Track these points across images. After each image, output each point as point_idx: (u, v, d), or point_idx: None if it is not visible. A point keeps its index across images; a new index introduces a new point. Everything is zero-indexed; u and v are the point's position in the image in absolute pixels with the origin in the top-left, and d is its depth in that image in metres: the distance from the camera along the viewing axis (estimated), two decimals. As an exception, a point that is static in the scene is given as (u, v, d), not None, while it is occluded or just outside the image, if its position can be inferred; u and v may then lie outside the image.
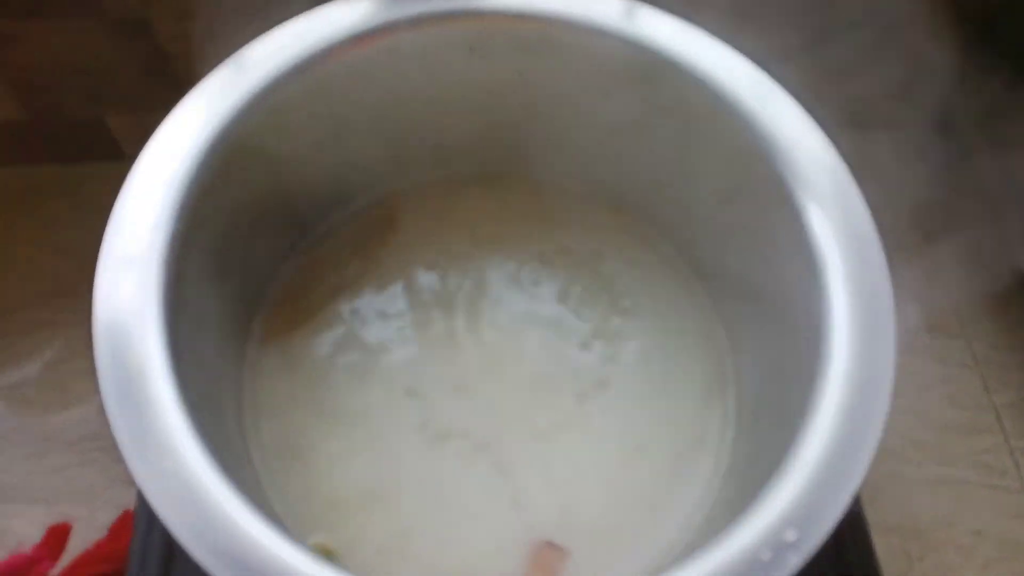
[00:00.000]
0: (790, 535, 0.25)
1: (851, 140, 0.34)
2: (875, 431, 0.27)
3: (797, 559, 0.25)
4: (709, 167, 0.36)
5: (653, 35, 0.34)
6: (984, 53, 0.46)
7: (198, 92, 0.32)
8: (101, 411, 0.48)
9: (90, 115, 0.52)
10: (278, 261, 0.41)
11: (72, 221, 0.54)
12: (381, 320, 0.41)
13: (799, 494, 0.26)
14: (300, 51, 0.34)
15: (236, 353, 0.38)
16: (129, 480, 0.44)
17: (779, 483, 0.27)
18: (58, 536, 0.42)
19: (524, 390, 0.40)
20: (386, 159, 0.41)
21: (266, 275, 0.40)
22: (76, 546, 0.43)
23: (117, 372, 0.27)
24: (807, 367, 0.30)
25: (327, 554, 0.34)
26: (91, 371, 0.48)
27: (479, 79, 0.38)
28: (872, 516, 0.41)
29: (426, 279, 0.42)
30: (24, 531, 0.43)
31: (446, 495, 0.37)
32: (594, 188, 0.42)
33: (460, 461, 0.38)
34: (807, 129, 0.33)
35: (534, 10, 0.35)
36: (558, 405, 0.39)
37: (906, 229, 0.53)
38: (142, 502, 0.38)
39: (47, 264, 0.52)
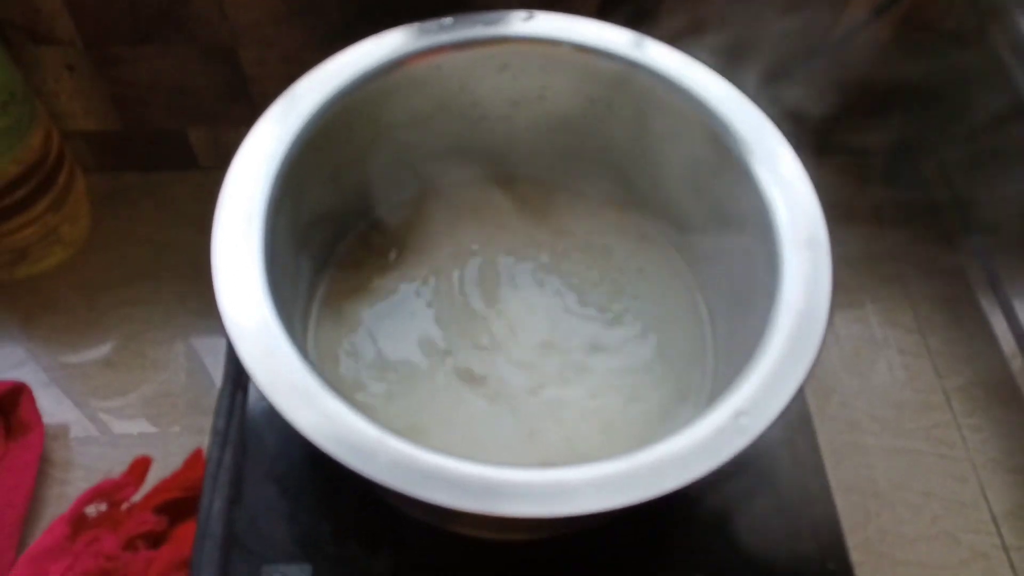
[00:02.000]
0: (743, 419, 0.33)
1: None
2: (812, 352, 0.35)
3: (748, 436, 0.33)
4: (685, 165, 0.45)
5: (649, 59, 0.43)
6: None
7: (280, 103, 0.41)
8: (174, 374, 0.56)
9: (174, 128, 0.62)
10: (337, 243, 0.49)
11: (153, 218, 0.63)
12: (415, 296, 0.49)
13: (750, 393, 0.34)
14: (361, 67, 0.43)
15: (303, 308, 0.46)
16: (198, 430, 0.52)
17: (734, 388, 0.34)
18: (140, 467, 0.49)
19: (537, 351, 0.48)
20: (424, 159, 0.49)
21: (328, 254, 0.49)
22: (155, 480, 0.51)
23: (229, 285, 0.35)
24: (763, 321, 0.38)
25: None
26: (166, 341, 0.57)
27: (506, 93, 0.47)
28: (836, 478, 0.48)
29: (454, 263, 0.50)
30: (112, 469, 0.51)
31: (474, 430, 0.45)
32: (600, 189, 0.51)
33: (485, 403, 0.46)
34: (768, 131, 0.41)
35: (554, 37, 0.44)
36: (566, 363, 0.47)
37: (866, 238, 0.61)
38: (214, 444, 0.46)
39: (130, 253, 0.61)
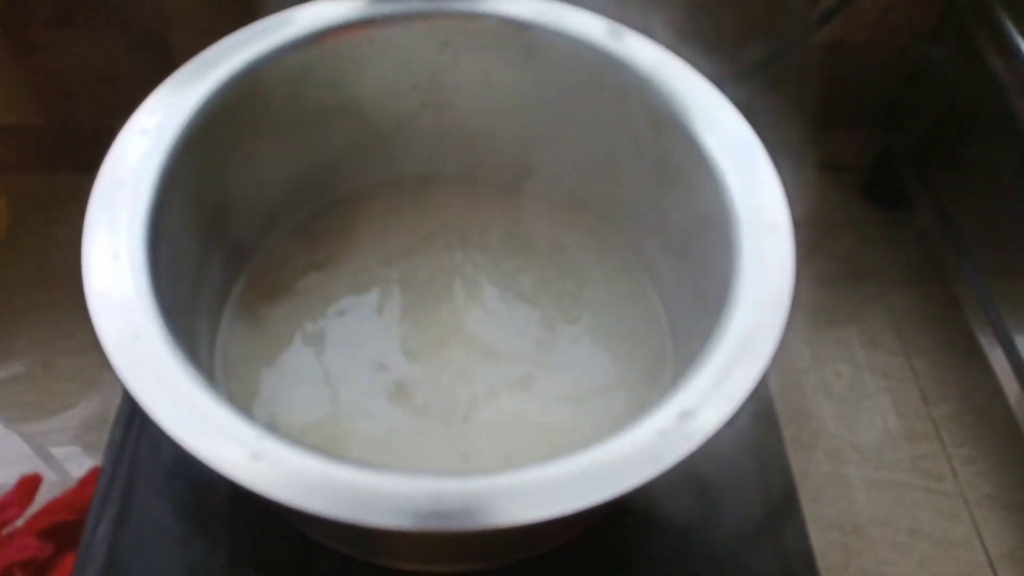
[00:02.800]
0: (689, 422, 0.28)
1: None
2: (770, 344, 0.30)
3: (694, 440, 0.28)
4: (642, 156, 0.40)
5: (612, 44, 0.39)
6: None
7: (188, 66, 0.37)
8: (81, 386, 0.51)
9: (103, 124, 0.57)
10: (259, 241, 0.45)
11: (78, 221, 0.58)
12: (343, 300, 0.44)
13: (698, 391, 0.29)
14: (285, 36, 0.39)
15: (213, 307, 0.41)
16: (101, 446, 0.47)
17: (683, 383, 0.30)
18: (27, 486, 0.44)
19: (476, 361, 0.43)
20: (358, 149, 0.45)
21: (246, 252, 0.44)
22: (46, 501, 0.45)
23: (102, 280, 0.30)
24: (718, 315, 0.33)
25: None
26: (77, 350, 0.52)
27: (447, 76, 0.43)
28: (812, 512, 0.43)
29: (388, 265, 0.46)
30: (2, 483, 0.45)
31: (398, 447, 0.40)
32: (551, 187, 0.47)
33: (413, 417, 0.41)
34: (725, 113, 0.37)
35: (496, 12, 0.40)
36: (508, 375, 0.42)
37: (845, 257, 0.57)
38: (108, 457, 0.41)
39: (50, 255, 0.56)
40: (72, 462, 0.48)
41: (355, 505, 0.26)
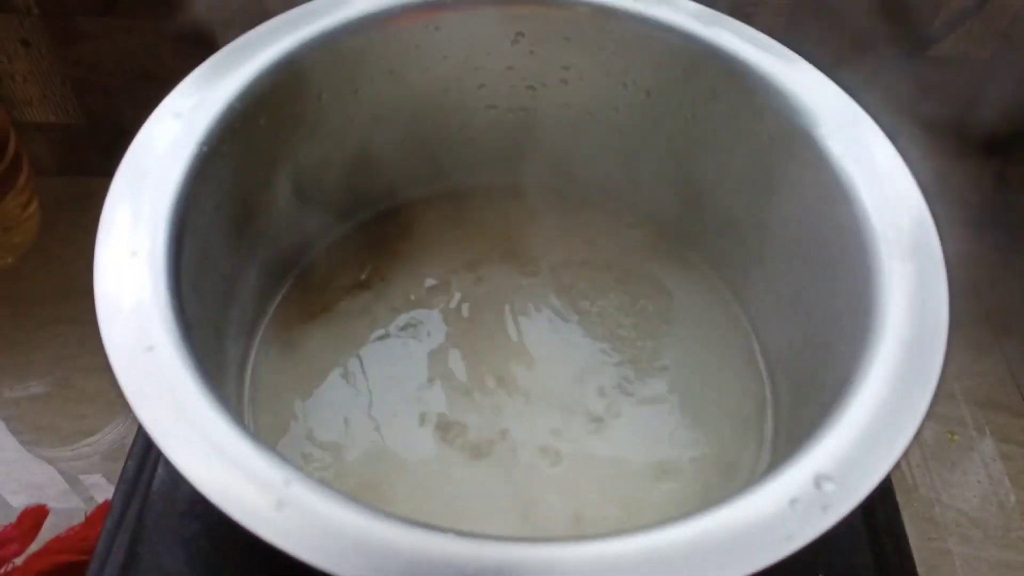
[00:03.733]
0: (827, 486, 0.22)
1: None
2: (927, 394, 0.24)
3: (833, 513, 0.21)
4: (747, 164, 0.35)
5: (713, 35, 0.34)
6: None
7: (227, 50, 0.33)
8: (99, 408, 0.46)
9: (139, 125, 0.54)
10: (297, 249, 0.40)
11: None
12: (389, 324, 0.39)
13: (839, 449, 0.23)
14: (335, 20, 0.34)
15: (244, 326, 0.36)
16: (113, 479, 0.42)
17: (818, 439, 0.23)
18: (31, 518, 0.39)
19: (540, 404, 0.37)
20: (413, 155, 0.40)
21: (284, 260, 0.39)
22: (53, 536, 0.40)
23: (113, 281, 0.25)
24: (851, 358, 0.27)
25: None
26: (96, 369, 0.47)
27: (521, 73, 0.38)
28: None
29: (442, 288, 0.40)
30: (5, 516, 0.41)
31: (450, 497, 0.34)
32: (632, 204, 0.41)
33: (468, 463, 0.35)
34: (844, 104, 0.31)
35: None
36: (577, 422, 0.36)
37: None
38: (119, 493, 0.36)
39: (77, 265, 0.52)
40: (96, 491, 0.43)
41: (397, 573, 0.20)
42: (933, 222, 0.28)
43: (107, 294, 0.25)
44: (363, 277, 0.40)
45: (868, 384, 0.25)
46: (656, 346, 0.39)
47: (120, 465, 0.45)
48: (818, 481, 0.22)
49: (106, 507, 0.40)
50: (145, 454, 0.37)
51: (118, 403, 0.45)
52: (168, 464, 0.35)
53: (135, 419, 0.41)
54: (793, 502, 0.22)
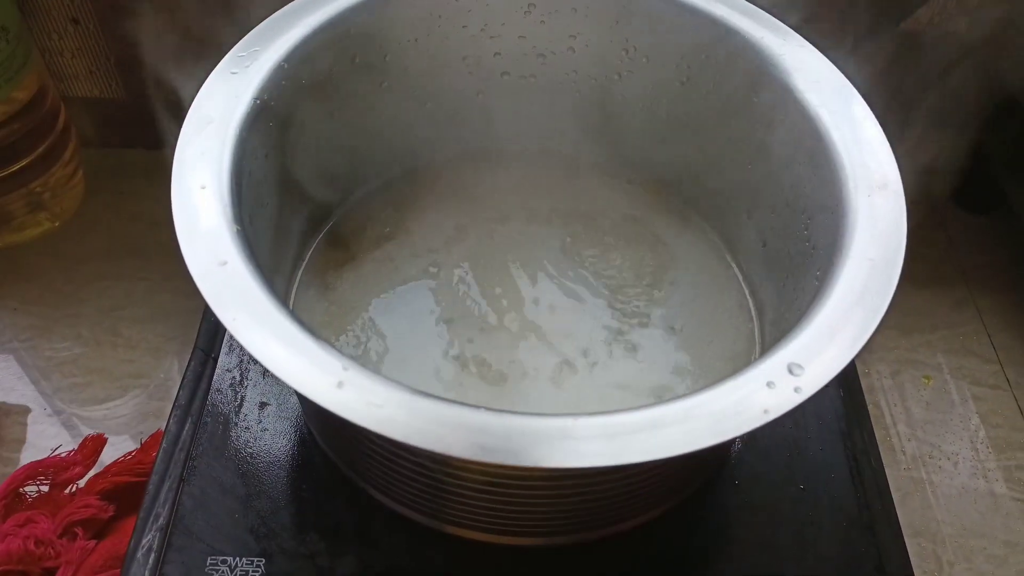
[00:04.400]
0: (798, 371, 0.26)
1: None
2: (887, 293, 0.28)
3: (803, 392, 0.26)
4: (740, 128, 0.39)
5: (712, 7, 0.38)
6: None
7: (264, 25, 0.36)
8: (145, 353, 0.50)
9: (179, 101, 0.58)
10: (329, 204, 0.44)
11: (148, 195, 0.58)
12: (414, 271, 0.43)
13: (810, 344, 0.27)
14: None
15: (287, 271, 0.40)
16: (163, 418, 0.46)
17: (792, 337, 0.28)
18: (92, 445, 0.43)
19: (549, 335, 0.41)
20: (434, 121, 0.44)
21: (318, 215, 0.43)
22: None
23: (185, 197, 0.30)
24: (822, 278, 0.31)
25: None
26: (144, 319, 0.52)
27: (532, 41, 0.42)
28: (902, 518, 0.40)
29: (460, 240, 0.44)
30: (66, 446, 0.45)
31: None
32: (625, 164, 0.45)
33: (484, 388, 0.39)
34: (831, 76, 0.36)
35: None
36: (585, 353, 0.40)
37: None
38: (174, 419, 0.40)
39: (120, 228, 0.56)
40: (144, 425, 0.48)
41: (435, 435, 0.24)
42: (896, 163, 0.33)
43: (184, 219, 0.29)
44: (387, 230, 0.45)
45: (836, 294, 0.29)
46: (655, 291, 0.43)
47: (148, 427, 0.49)
48: (791, 367, 0.27)
49: (159, 435, 0.44)
50: (196, 383, 0.41)
51: (163, 348, 0.49)
52: (219, 390, 0.40)
53: (171, 368, 0.45)
54: (770, 384, 0.26)
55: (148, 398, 0.47)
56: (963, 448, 0.49)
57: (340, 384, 0.25)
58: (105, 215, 0.56)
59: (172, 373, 0.48)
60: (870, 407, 0.50)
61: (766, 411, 0.26)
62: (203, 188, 0.30)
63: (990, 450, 0.49)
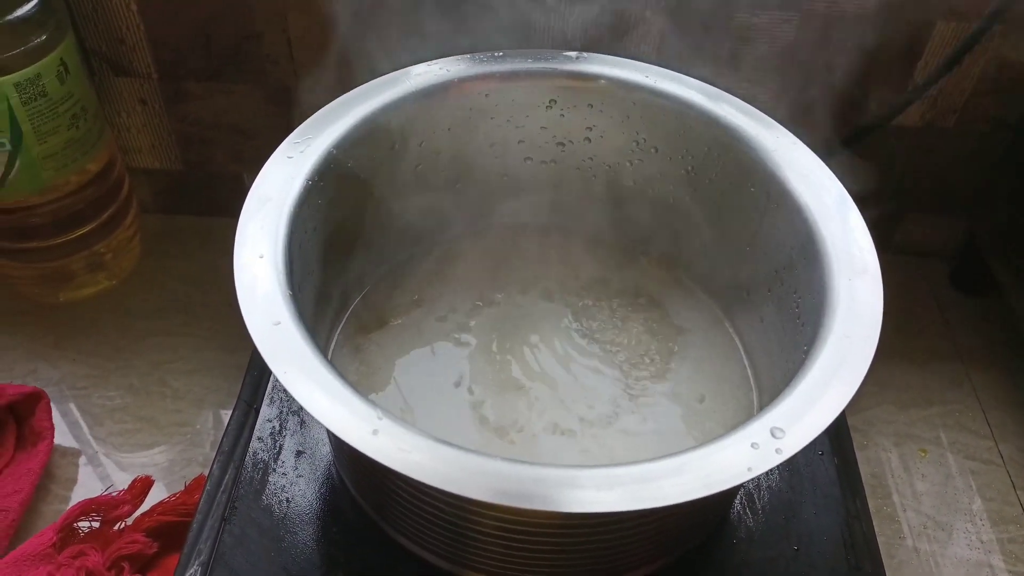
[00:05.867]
0: (780, 435, 0.30)
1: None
2: (862, 367, 0.31)
3: (783, 453, 0.29)
4: (736, 217, 0.43)
5: (709, 105, 0.42)
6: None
7: (316, 117, 0.41)
8: (190, 404, 0.54)
9: (231, 172, 0.63)
10: (365, 272, 0.48)
11: (197, 258, 0.63)
12: (437, 335, 0.47)
13: (791, 411, 0.31)
14: (410, 86, 0.43)
15: (324, 334, 0.45)
16: (206, 462, 0.50)
17: (775, 404, 0.31)
18: (140, 486, 0.47)
19: (559, 398, 0.44)
20: (462, 199, 0.49)
21: (353, 282, 0.47)
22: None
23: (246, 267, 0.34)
24: (808, 351, 0.35)
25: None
26: (191, 372, 0.56)
27: (553, 131, 0.47)
28: None
29: (481, 308, 0.48)
30: (116, 486, 0.49)
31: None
32: (635, 240, 0.49)
33: (498, 442, 0.42)
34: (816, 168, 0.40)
35: (604, 74, 0.44)
36: (591, 414, 0.44)
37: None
38: (217, 463, 0.44)
39: (171, 288, 0.61)
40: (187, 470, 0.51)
41: (457, 479, 0.28)
42: (875, 250, 0.36)
43: (244, 285, 0.34)
44: (415, 298, 0.49)
45: (817, 366, 0.32)
46: (662, 363, 0.46)
47: (204, 451, 0.52)
48: (773, 431, 0.30)
49: (201, 480, 0.48)
50: (239, 431, 0.45)
51: (206, 399, 0.54)
52: (258, 438, 0.44)
53: (218, 411, 0.49)
54: (754, 445, 0.30)
55: (190, 444, 0.51)
56: (959, 520, 0.51)
57: (375, 432, 0.29)
58: (158, 275, 0.61)
59: (212, 423, 0.52)
60: (869, 478, 0.52)
61: (749, 468, 0.29)
62: (261, 257, 0.35)
63: (985, 523, 0.51)
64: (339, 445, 0.39)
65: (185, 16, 0.54)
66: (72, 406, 0.53)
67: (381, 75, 0.43)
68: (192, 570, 0.39)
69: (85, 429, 0.52)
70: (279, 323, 0.32)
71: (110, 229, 0.58)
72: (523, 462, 0.29)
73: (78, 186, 0.54)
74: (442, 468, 0.28)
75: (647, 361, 0.46)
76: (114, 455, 0.51)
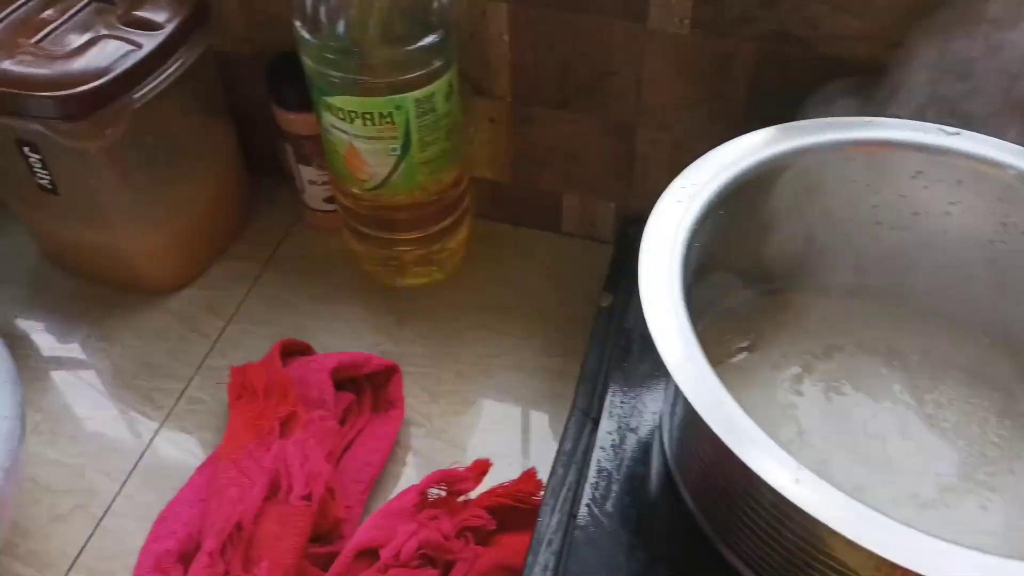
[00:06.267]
0: None
1: None
2: None
3: None
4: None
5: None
6: None
7: (703, 159, 0.45)
8: (512, 400, 0.60)
9: (554, 191, 0.69)
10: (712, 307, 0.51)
11: (513, 264, 0.70)
12: (774, 381, 0.49)
13: None
14: (778, 148, 0.46)
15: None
16: (526, 453, 0.55)
17: None
18: (481, 467, 0.53)
19: (895, 471, 0.45)
20: (805, 252, 0.51)
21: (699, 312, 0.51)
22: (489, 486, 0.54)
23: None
24: None
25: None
26: (510, 367, 0.62)
27: (911, 201, 0.48)
28: None
29: (814, 360, 0.50)
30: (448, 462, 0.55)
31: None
32: (985, 321, 0.49)
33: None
34: None
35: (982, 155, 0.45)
36: (928, 490, 0.44)
37: None
38: (558, 463, 0.49)
39: (491, 289, 0.67)
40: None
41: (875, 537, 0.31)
42: None
43: (657, 324, 0.38)
44: (748, 342, 0.52)
45: None
46: (1001, 449, 0.46)
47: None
48: None
49: (533, 472, 0.54)
50: (578, 436, 0.50)
51: (526, 397, 0.59)
52: (600, 447, 0.48)
53: (530, 410, 0.55)
54: None
55: (511, 436, 0.57)
56: None
57: (797, 481, 0.33)
58: (477, 275, 0.68)
59: (531, 419, 0.58)
60: None
61: None
62: (669, 296, 0.39)
63: None
64: (709, 472, 0.42)
65: (551, 49, 0.60)
66: (410, 383, 0.60)
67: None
68: (544, 557, 0.45)
69: (421, 405, 0.59)
70: (691, 359, 0.36)
71: (450, 232, 0.65)
72: (927, 534, 0.31)
73: (439, 191, 0.61)
74: (857, 524, 0.31)
75: (985, 446, 0.46)
76: (447, 432, 0.58)
